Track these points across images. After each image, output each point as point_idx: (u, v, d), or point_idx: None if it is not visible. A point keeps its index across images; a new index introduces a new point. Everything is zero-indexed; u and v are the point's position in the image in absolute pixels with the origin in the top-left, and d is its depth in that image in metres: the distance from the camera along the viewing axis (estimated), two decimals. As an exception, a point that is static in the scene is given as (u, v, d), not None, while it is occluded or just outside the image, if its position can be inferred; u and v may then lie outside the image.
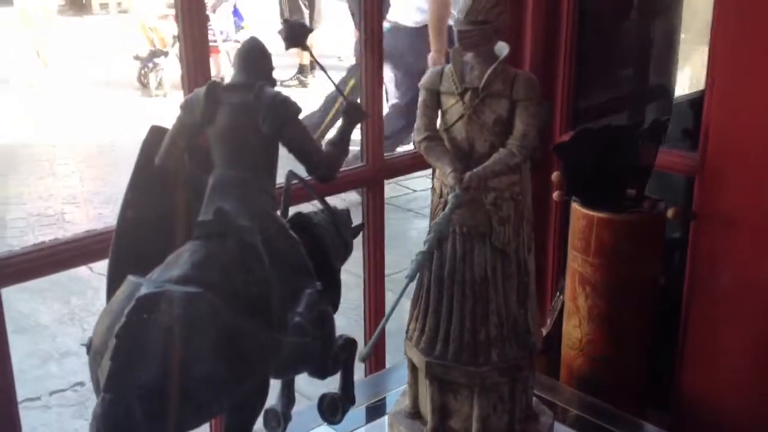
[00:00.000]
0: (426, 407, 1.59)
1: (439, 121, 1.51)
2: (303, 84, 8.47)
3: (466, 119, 1.46)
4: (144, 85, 8.47)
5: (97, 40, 11.23)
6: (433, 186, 1.53)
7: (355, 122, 1.45)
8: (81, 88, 8.55)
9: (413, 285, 1.50)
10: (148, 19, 8.91)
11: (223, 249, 1.21)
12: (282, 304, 1.26)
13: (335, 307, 1.45)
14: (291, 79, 8.43)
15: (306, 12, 8.12)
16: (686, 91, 2.72)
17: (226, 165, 1.29)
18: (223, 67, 8.54)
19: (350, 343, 1.47)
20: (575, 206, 1.93)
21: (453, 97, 1.47)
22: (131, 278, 1.17)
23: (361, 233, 1.66)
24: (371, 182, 1.98)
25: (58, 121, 7.05)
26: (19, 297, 3.96)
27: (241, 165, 1.28)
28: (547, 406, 1.74)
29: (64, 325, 4.25)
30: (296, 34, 1.41)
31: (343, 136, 1.41)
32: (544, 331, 2.18)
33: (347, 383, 1.51)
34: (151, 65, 8.37)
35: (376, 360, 2.04)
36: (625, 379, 1.96)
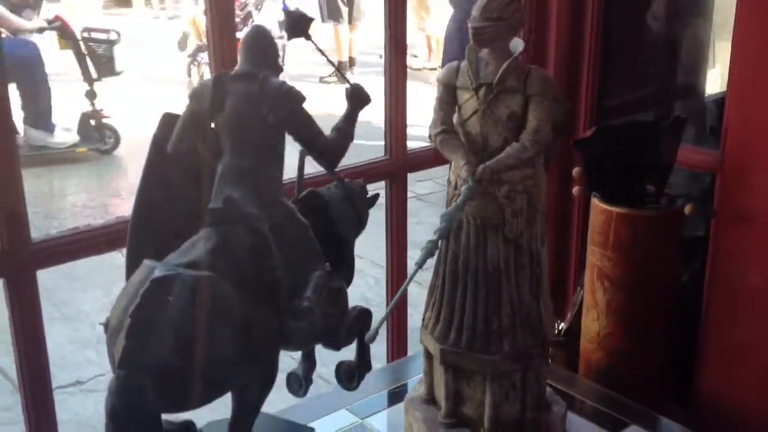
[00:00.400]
0: (440, 394, 1.64)
1: (455, 115, 1.55)
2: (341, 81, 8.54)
3: (481, 114, 1.50)
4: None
5: (141, 35, 11.41)
6: (449, 178, 1.57)
7: (360, 106, 1.46)
8: (128, 82, 8.70)
9: (424, 274, 1.54)
10: (195, 14, 9.01)
11: (235, 236, 1.26)
12: (291, 291, 1.32)
13: (349, 281, 1.49)
14: (330, 75, 8.50)
15: (345, 9, 8.15)
16: (717, 90, 2.72)
17: (234, 153, 1.34)
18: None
19: (364, 314, 1.50)
20: (595, 201, 1.96)
21: (468, 92, 1.51)
22: (147, 262, 1.24)
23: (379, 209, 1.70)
24: (394, 176, 2.03)
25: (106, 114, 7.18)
26: (62, 285, 4.07)
27: (247, 153, 1.33)
28: (563, 397, 1.77)
29: (105, 313, 4.34)
30: (297, 25, 1.44)
31: (348, 121, 1.43)
32: (564, 325, 2.21)
33: (363, 351, 1.54)
34: (199, 59, 8.47)
35: (398, 348, 2.09)
36: (643, 374, 1.98)
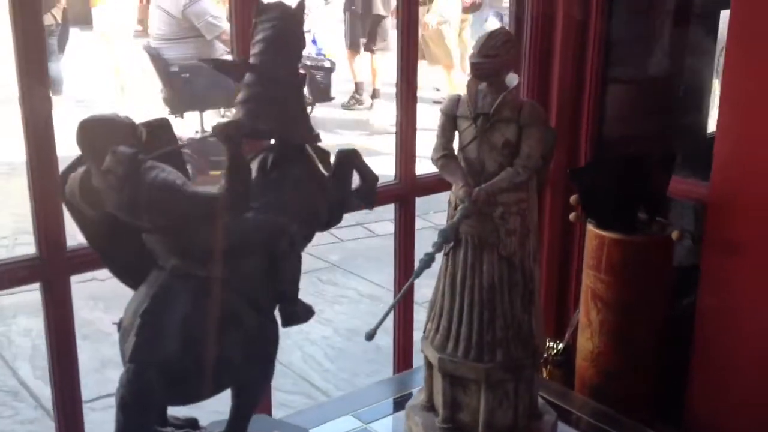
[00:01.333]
0: (439, 400, 1.76)
1: (456, 141, 1.69)
2: (359, 102, 8.72)
3: (478, 141, 1.64)
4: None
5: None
6: (449, 199, 1.71)
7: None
8: (157, 110, 8.92)
9: (417, 286, 1.66)
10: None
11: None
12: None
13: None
14: (349, 101, 8.69)
15: (362, 40, 8.37)
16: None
17: None
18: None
19: (351, 153, 1.55)
20: (589, 227, 2.09)
21: (467, 121, 1.65)
22: (156, 269, 1.36)
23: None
24: (402, 200, 2.17)
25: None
26: (85, 305, 4.25)
27: None
28: (557, 410, 1.89)
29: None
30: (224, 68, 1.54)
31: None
32: (562, 345, 2.33)
33: (363, 173, 1.57)
34: None
35: (404, 360, 2.21)
36: (634, 392, 2.10)
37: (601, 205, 2.08)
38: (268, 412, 1.94)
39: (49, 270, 1.69)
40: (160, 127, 1.38)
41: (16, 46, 1.60)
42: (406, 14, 2.08)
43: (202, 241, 1.31)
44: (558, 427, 1.84)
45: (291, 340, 4.70)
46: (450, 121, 1.68)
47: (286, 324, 1.44)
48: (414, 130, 2.13)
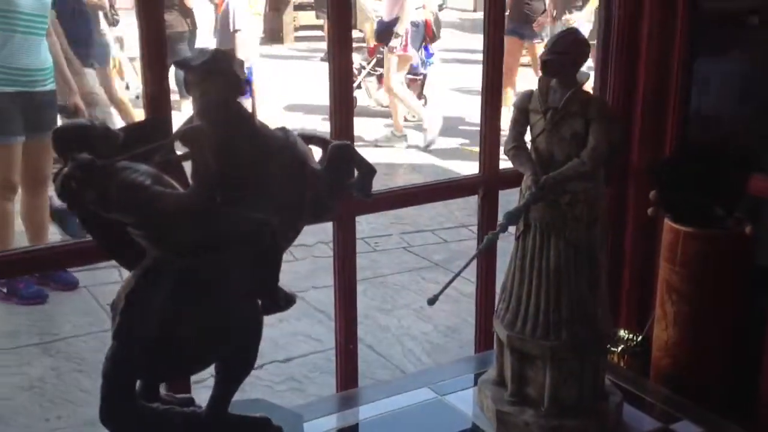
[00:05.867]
0: (508, 376, 1.89)
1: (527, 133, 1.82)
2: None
3: (548, 133, 1.76)
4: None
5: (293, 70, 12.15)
6: (520, 188, 1.84)
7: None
8: (280, 115, 9.30)
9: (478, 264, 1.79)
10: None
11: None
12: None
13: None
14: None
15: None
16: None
17: None
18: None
19: (344, 146, 1.60)
20: (666, 221, 2.17)
21: (538, 115, 1.78)
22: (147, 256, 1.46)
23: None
24: (486, 191, 2.30)
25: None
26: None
27: None
28: (627, 394, 1.97)
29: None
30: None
31: None
32: (641, 337, 2.41)
33: (360, 165, 1.60)
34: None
35: (485, 340, 2.34)
36: (707, 383, 2.16)
37: (678, 199, 2.15)
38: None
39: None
40: (150, 127, 1.49)
41: (142, 49, 1.80)
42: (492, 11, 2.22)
43: (180, 236, 1.40)
44: (624, 409, 1.93)
45: (392, 335, 4.88)
46: (522, 115, 1.81)
47: (266, 312, 1.51)
48: (498, 123, 2.26)
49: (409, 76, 9.37)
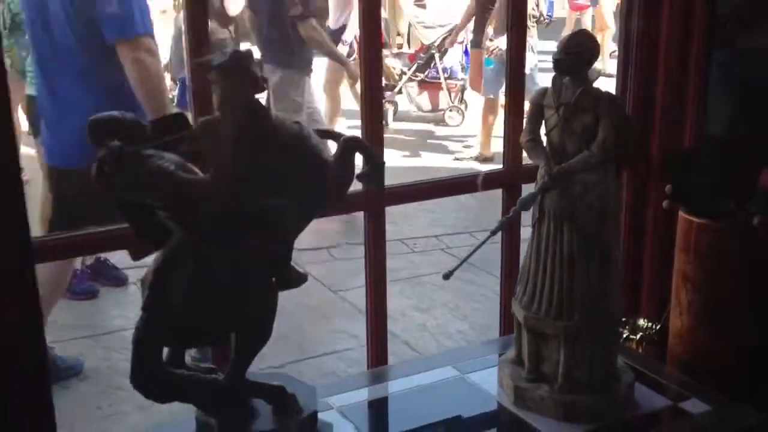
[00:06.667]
0: (525, 355, 2.02)
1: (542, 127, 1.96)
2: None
3: (560, 127, 1.90)
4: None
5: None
6: (536, 179, 1.97)
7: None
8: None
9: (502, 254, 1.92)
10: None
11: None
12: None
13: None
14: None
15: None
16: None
17: None
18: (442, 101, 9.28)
19: (355, 139, 1.71)
20: (681, 213, 2.29)
21: (551, 110, 1.91)
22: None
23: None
24: (509, 185, 2.43)
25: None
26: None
27: None
28: (641, 375, 2.09)
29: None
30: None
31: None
32: (658, 326, 2.52)
33: (369, 157, 1.71)
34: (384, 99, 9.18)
35: (509, 325, 2.46)
36: (720, 369, 2.26)
37: (691, 192, 2.27)
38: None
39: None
40: (176, 121, 1.63)
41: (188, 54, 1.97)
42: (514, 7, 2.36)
43: (201, 219, 1.53)
44: (636, 388, 2.05)
45: (428, 333, 5.01)
46: (537, 110, 1.95)
47: (280, 288, 1.64)
48: (521, 119, 2.39)
49: (449, 82, 9.53)
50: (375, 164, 1.69)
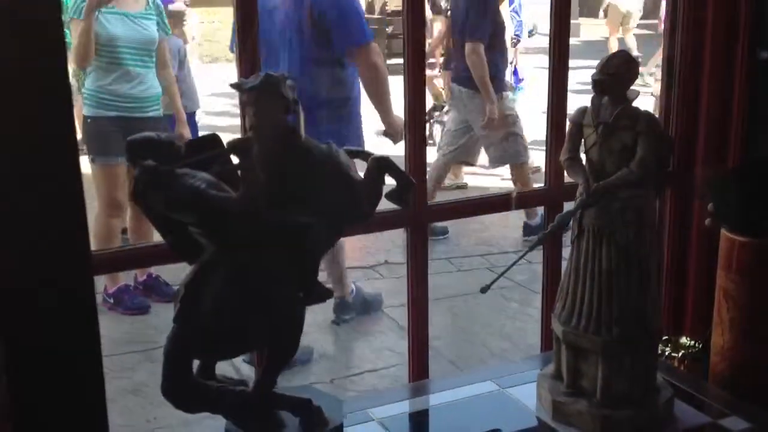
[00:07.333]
0: (564, 369, 2.05)
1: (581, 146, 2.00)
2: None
3: (599, 146, 1.93)
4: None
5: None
6: (576, 197, 2.01)
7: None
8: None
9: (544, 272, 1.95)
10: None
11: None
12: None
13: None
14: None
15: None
16: None
17: None
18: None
19: (383, 159, 1.73)
20: (723, 231, 2.30)
21: (590, 129, 1.95)
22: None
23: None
24: (551, 203, 2.47)
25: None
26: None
27: None
28: (682, 393, 2.10)
29: (324, 334, 5.07)
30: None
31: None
32: (701, 344, 2.52)
33: (399, 177, 1.75)
34: (432, 119, 9.22)
35: (549, 340, 2.48)
36: (762, 386, 2.26)
37: (732, 210, 2.28)
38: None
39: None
40: (209, 142, 1.68)
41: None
42: (558, 24, 2.41)
43: (231, 235, 1.57)
44: (676, 405, 2.06)
45: (473, 351, 5.04)
46: (577, 129, 1.98)
47: (307, 303, 1.68)
48: (563, 139, 2.42)
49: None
50: (404, 184, 1.74)
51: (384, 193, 1.73)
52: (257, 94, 1.59)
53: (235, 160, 1.63)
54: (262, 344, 1.71)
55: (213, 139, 1.69)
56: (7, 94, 1.41)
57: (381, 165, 1.71)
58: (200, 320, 1.61)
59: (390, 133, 4.81)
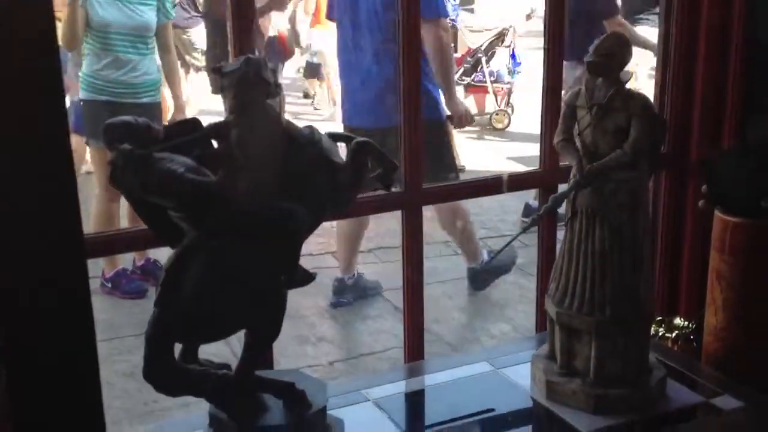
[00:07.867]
0: (557, 350, 2.06)
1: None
2: None
3: (592, 128, 1.94)
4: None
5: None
6: (569, 178, 2.02)
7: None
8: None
9: (539, 255, 1.97)
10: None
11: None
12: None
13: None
14: None
15: None
16: None
17: None
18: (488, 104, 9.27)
19: (366, 143, 1.71)
20: (717, 213, 2.31)
21: (584, 110, 1.96)
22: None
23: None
24: (547, 185, 2.48)
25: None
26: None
27: None
28: (674, 371, 2.12)
29: (322, 318, 5.10)
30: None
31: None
32: (694, 324, 2.54)
33: (383, 161, 1.74)
34: None
35: (544, 321, 2.50)
36: (754, 365, 2.28)
37: (727, 192, 2.29)
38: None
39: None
40: (190, 125, 1.65)
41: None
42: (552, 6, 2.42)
43: (209, 219, 1.56)
44: (668, 384, 2.08)
45: (473, 335, 5.06)
46: (570, 110, 1.99)
47: (288, 287, 1.67)
48: (556, 120, 2.43)
49: (495, 85, 9.57)
50: (386, 167, 1.73)
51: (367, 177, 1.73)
52: (238, 77, 1.58)
53: (215, 144, 1.62)
54: (243, 328, 1.71)
55: (194, 123, 1.68)
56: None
57: (363, 149, 1.71)
58: (181, 304, 1.60)
59: (451, 117, 4.89)
